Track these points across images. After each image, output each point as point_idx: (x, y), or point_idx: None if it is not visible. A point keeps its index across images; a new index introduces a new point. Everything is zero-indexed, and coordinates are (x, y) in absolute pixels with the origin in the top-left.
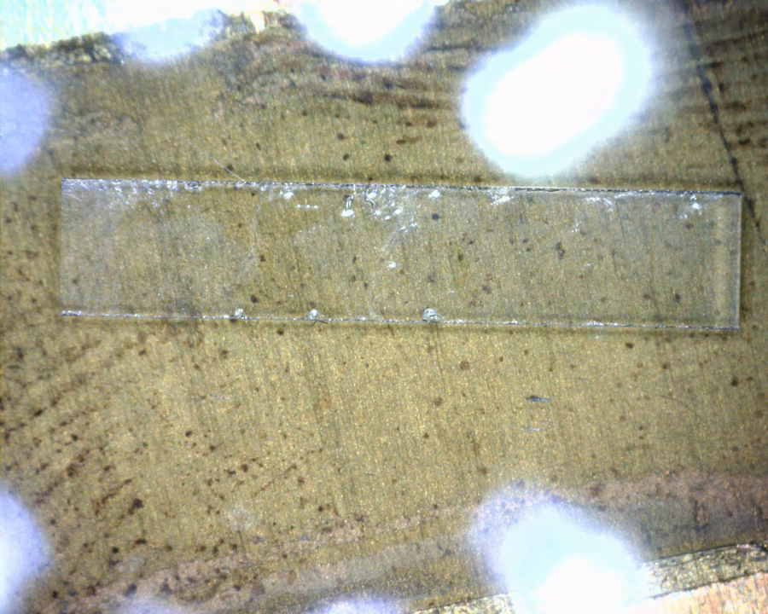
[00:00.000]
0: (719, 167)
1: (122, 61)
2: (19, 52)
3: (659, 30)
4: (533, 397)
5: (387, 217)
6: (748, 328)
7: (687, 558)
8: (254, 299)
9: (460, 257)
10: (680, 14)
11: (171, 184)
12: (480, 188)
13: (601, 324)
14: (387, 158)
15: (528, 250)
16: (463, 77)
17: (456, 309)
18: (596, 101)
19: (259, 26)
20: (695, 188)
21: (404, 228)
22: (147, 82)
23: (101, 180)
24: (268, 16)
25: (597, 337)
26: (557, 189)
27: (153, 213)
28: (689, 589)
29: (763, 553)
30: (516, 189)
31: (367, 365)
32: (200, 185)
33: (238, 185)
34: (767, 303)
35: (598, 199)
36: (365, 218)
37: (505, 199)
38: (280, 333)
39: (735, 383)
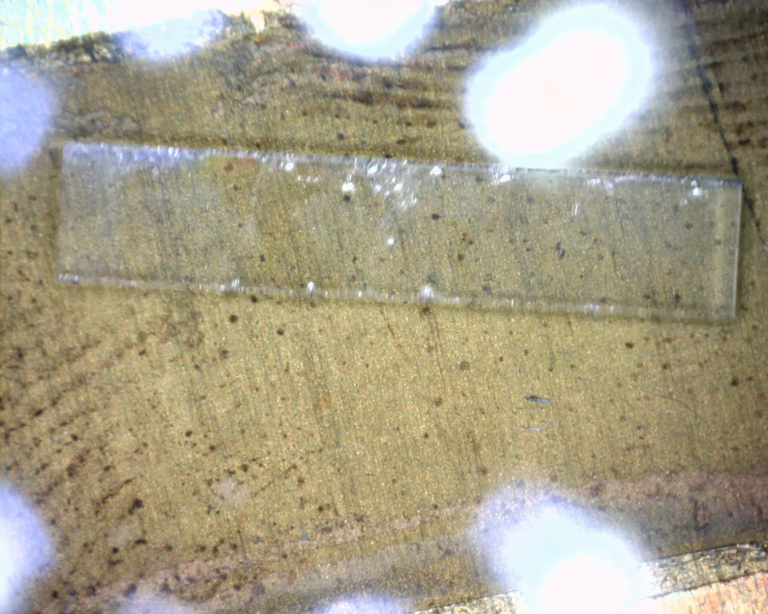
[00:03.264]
0: (719, 167)
1: (122, 61)
2: (19, 52)
3: (659, 30)
4: (533, 397)
5: (387, 193)
6: (748, 328)
7: (687, 558)
8: (254, 299)
9: (460, 258)
10: (680, 14)
11: (173, 152)
12: (481, 167)
13: (598, 307)
14: (387, 158)
15: (528, 250)
16: (463, 77)
17: (455, 311)
18: (596, 101)
19: (259, 26)
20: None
21: (403, 203)
22: (147, 82)
23: (102, 145)
24: (268, 16)
25: (597, 337)
26: (558, 170)
27: (154, 180)
28: (689, 589)
29: (763, 553)
30: (517, 169)
31: (367, 365)
32: (201, 153)
33: (239, 155)
34: (767, 303)
35: (599, 182)
36: (366, 197)
37: (506, 178)
38: (280, 333)
39: (735, 383)
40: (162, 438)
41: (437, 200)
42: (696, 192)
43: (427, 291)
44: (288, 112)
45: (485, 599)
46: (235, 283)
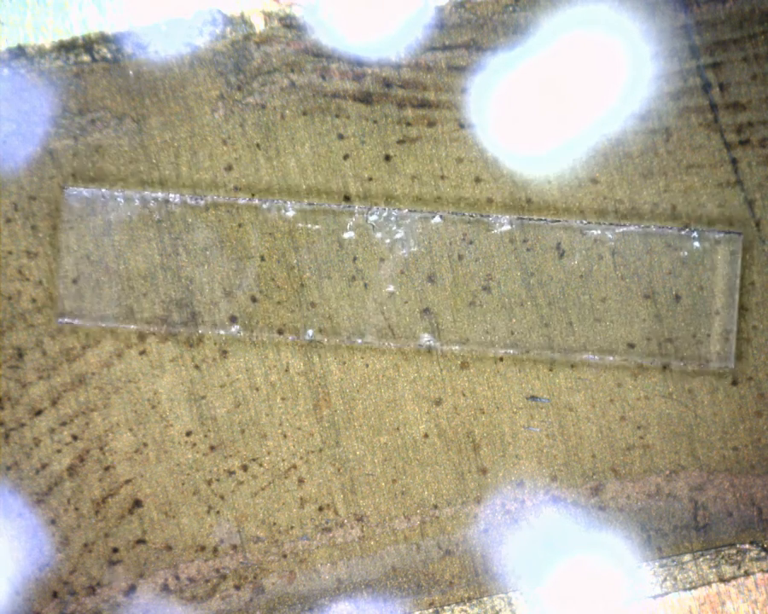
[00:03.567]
0: (719, 167)
1: (122, 61)
2: (19, 52)
3: (659, 30)
4: (533, 397)
5: (388, 241)
6: (748, 328)
7: (687, 558)
8: (254, 299)
9: (460, 257)
10: (680, 14)
11: (174, 197)
12: (481, 216)
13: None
14: (387, 158)
15: (528, 250)
16: (463, 77)
17: (456, 311)
18: (596, 101)
19: (259, 26)
20: (696, 189)
21: (404, 251)
22: (147, 82)
23: (103, 190)
24: (268, 16)
25: (599, 337)
26: (558, 221)
27: (154, 223)
28: (689, 589)
29: (763, 553)
30: (518, 218)
31: (367, 365)
32: (202, 199)
33: (240, 201)
34: (767, 303)
35: (599, 232)
36: (367, 237)
37: (506, 227)
38: (280, 332)
39: (735, 383)
40: (162, 438)
41: (435, 201)
42: (696, 244)
43: (425, 338)
44: (287, 112)
45: (485, 599)
46: (234, 284)
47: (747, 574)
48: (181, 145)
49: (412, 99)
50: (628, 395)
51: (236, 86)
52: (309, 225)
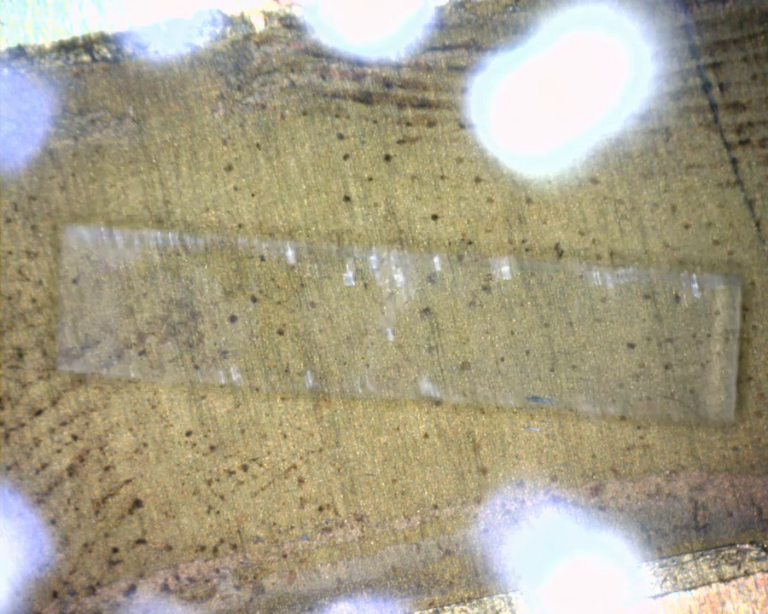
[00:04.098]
0: (719, 167)
1: (122, 61)
2: (19, 52)
3: (659, 30)
4: (534, 398)
5: (388, 287)
6: (748, 328)
7: (687, 558)
8: (254, 299)
9: (460, 258)
10: (680, 14)
11: (174, 237)
12: (480, 260)
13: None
14: (387, 158)
15: (528, 250)
16: (463, 77)
17: (456, 311)
18: (596, 101)
19: (259, 26)
20: (696, 189)
21: (404, 298)
22: (147, 82)
23: (102, 228)
24: (268, 16)
25: (599, 337)
26: (558, 264)
27: (155, 265)
28: (689, 589)
29: (763, 553)
30: (522, 274)
31: (367, 365)
32: (200, 239)
33: (240, 241)
34: (767, 303)
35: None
36: (367, 287)
37: (506, 276)
38: (280, 333)
39: (735, 383)
40: (162, 438)
41: (435, 201)
42: (696, 288)
43: (425, 386)
44: (287, 112)
45: (485, 599)
46: (234, 284)
47: (747, 574)
48: (181, 145)
49: (412, 99)
50: (629, 395)
51: (236, 86)
52: (309, 267)
